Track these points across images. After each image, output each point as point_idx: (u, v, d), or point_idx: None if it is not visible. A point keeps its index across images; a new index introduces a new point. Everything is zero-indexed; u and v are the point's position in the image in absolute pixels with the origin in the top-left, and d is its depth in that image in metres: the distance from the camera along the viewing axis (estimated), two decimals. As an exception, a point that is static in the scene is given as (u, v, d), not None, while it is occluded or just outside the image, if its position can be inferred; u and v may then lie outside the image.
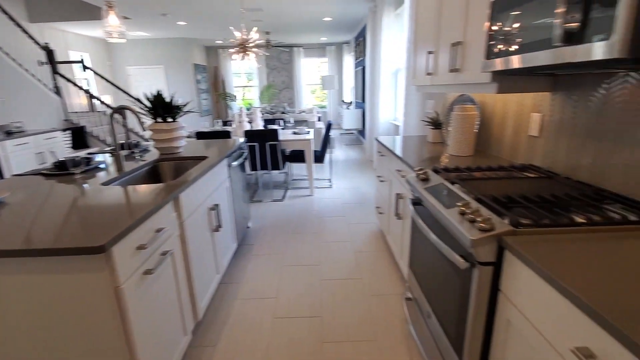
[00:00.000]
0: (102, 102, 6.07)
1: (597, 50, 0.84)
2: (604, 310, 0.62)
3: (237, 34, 4.27)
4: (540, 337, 0.81)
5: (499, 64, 1.27)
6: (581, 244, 0.87)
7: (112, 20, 3.61)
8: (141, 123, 1.84)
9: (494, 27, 1.29)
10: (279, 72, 9.67)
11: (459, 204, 1.12)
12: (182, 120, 7.80)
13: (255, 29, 4.65)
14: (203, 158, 2.21)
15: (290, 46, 9.41)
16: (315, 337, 1.74)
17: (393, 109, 4.93)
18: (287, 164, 4.52)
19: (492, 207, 1.08)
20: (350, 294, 2.08)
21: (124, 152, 2.34)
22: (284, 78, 9.72)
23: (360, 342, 1.70)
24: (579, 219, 0.97)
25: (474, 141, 2.02)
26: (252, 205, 3.75)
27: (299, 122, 6.49)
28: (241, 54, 4.23)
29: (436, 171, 1.57)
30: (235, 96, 9.26)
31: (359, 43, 7.11)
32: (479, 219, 0.99)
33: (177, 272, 1.50)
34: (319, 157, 4.12)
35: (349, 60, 9.07)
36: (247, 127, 4.13)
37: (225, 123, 5.31)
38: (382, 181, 2.67)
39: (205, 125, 8.58)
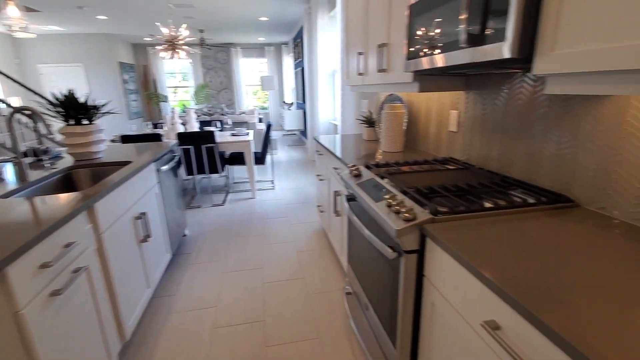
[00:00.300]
0: (9, 105, 5.28)
1: (495, 51, 0.94)
2: (506, 286, 0.69)
3: (165, 31, 4.01)
4: (457, 315, 0.87)
5: (417, 64, 1.36)
6: (489, 227, 0.96)
7: (12, 12, 3.17)
8: (47, 126, 1.63)
9: (412, 30, 1.37)
10: (216, 72, 9.31)
11: (386, 196, 1.16)
12: (103, 122, 7.12)
13: (184, 25, 4.40)
14: (126, 163, 2.03)
15: (228, 45, 9.13)
16: (258, 342, 1.69)
17: (332, 109, 5.03)
18: (227, 167, 4.36)
19: (415, 198, 1.14)
20: (293, 295, 2.07)
21: (27, 160, 2.05)
22: (222, 78, 9.39)
23: (303, 341, 1.70)
24: (488, 204, 1.07)
25: (403, 138, 2.13)
26: (189, 211, 3.55)
27: (238, 124, 6.31)
28: (170, 52, 3.98)
29: (368, 167, 1.62)
30: (166, 97, 8.70)
31: (297, 44, 7.15)
32: (403, 210, 1.04)
33: (95, 290, 1.35)
34: (260, 159, 4.04)
35: (288, 61, 9.07)
36: (181, 129, 3.90)
37: (156, 126, 4.96)
38: (321, 180, 2.70)
39: (133, 128, 7.94)
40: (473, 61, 1.02)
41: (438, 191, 1.19)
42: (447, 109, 1.84)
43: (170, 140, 3.14)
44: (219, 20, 6.25)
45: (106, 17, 5.70)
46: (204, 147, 3.53)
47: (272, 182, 4.53)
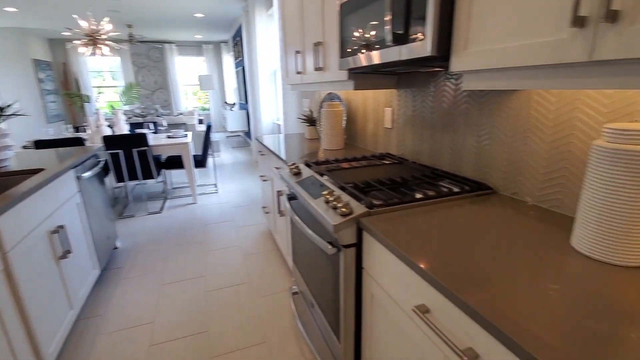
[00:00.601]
0: None
1: (417, 49, 0.98)
2: (433, 271, 0.72)
3: (83, 24, 3.62)
4: (393, 302, 0.90)
5: (350, 62, 1.38)
6: (420, 217, 1.00)
7: None
8: None
9: (344, 28, 1.39)
10: (149, 70, 8.68)
11: (324, 193, 1.17)
12: (13, 126, 6.25)
13: (106, 19, 4.02)
14: (38, 171, 1.79)
15: (161, 42, 8.56)
16: (202, 354, 1.60)
17: (275, 108, 4.98)
18: (164, 171, 4.09)
19: (352, 193, 1.17)
20: (238, 300, 1.99)
21: None
22: (157, 77, 8.78)
23: (250, 347, 1.64)
24: (419, 195, 1.12)
25: (343, 135, 2.17)
26: (121, 222, 3.25)
27: (176, 126, 5.96)
28: (90, 47, 3.61)
29: (308, 165, 1.62)
30: (88, 97, 7.90)
31: (237, 43, 6.95)
32: (339, 205, 1.05)
33: (2, 317, 1.16)
34: (201, 162, 3.85)
35: (228, 60, 8.79)
36: (108, 132, 3.56)
37: (78, 129, 4.47)
38: (265, 180, 2.65)
39: (50, 133, 7.09)
40: (399, 59, 1.07)
41: (374, 185, 1.22)
42: (382, 107, 1.91)
43: (94, 144, 2.84)
44: (149, 16, 5.83)
45: (16, 9, 4.99)
46: (135, 151, 3.26)
47: (216, 185, 4.35)
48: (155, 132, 4.60)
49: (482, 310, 0.58)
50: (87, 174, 2.11)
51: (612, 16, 0.57)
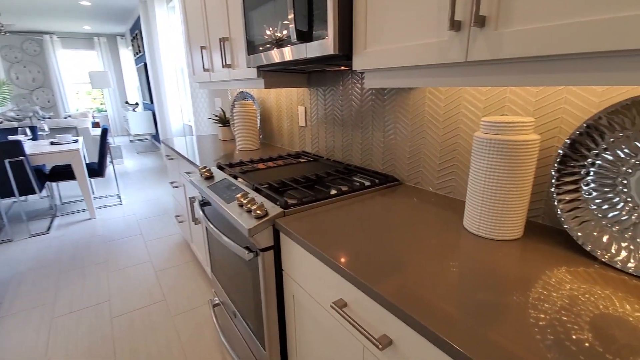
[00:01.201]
0: None
1: (320, 47, 0.99)
2: (347, 265, 0.73)
3: None
4: (313, 301, 0.90)
5: (257, 59, 1.34)
6: (335, 212, 1.02)
7: None
8: None
9: (249, 24, 1.34)
10: (25, 66, 7.29)
11: (237, 196, 1.11)
12: None
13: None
14: None
15: (39, 33, 7.25)
16: (108, 392, 1.40)
17: (185, 109, 4.63)
18: (49, 184, 3.47)
19: (267, 194, 1.13)
20: (152, 323, 1.79)
21: None
22: (35, 74, 7.42)
23: (168, 372, 1.49)
24: (333, 191, 1.14)
25: (258, 135, 2.12)
26: (-7, 249, 2.66)
27: (65, 130, 5.11)
28: None
29: (220, 167, 1.53)
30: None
31: (136, 36, 6.27)
32: (254, 207, 1.01)
33: None
34: (97, 171, 3.37)
35: (127, 55, 7.89)
36: (-35, 141, 2.86)
37: None
38: (176, 187, 2.44)
39: None
40: (305, 57, 1.07)
41: (289, 184, 1.21)
42: (295, 105, 1.91)
43: (-58, 156, 2.26)
44: (21, 2, 4.87)
45: None
46: (7, 162, 2.69)
47: (119, 196, 3.86)
48: (33, 139, 3.88)
49: (389, 295, 0.61)
50: None
51: (481, 21, 0.64)
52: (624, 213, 0.69)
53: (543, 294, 0.61)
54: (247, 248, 1.05)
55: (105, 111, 8.42)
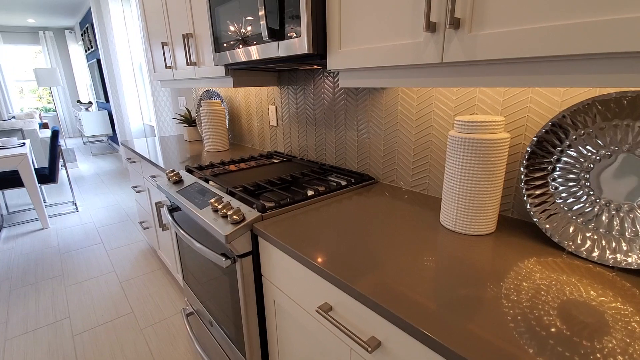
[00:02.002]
0: None
1: (294, 46, 0.97)
2: (329, 267, 0.72)
3: None
4: (296, 306, 0.88)
5: (226, 57, 1.29)
6: (313, 214, 1.01)
7: None
8: None
9: (216, 20, 1.29)
10: (-46, 61, 6.55)
11: (211, 201, 1.06)
12: None
13: None
14: None
15: (-30, 25, 6.54)
16: (73, 416, 1.29)
17: (145, 108, 4.39)
18: (-7, 193, 3.15)
19: (243, 198, 1.10)
20: (119, 338, 1.69)
21: None
22: (-32, 71, 6.69)
23: (140, 388, 1.41)
24: (310, 192, 1.13)
25: (227, 135, 2.05)
26: None
27: (9, 132, 4.67)
28: None
29: (189, 171, 1.46)
30: None
31: (87, 30, 5.84)
32: (230, 212, 0.97)
33: None
34: (48, 176, 3.11)
35: (77, 50, 7.33)
36: None
37: None
38: (139, 191, 2.30)
39: None
40: (277, 56, 1.04)
41: (264, 186, 1.18)
42: (265, 104, 1.87)
43: None
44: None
45: None
46: (-61, 170, 2.40)
47: (74, 203, 3.59)
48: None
49: (375, 297, 0.61)
50: None
51: (456, 23, 0.66)
52: (587, 205, 0.73)
53: (519, 285, 0.63)
54: (223, 255, 1.01)
55: (54, 111, 7.79)
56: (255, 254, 1.00)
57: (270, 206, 1.01)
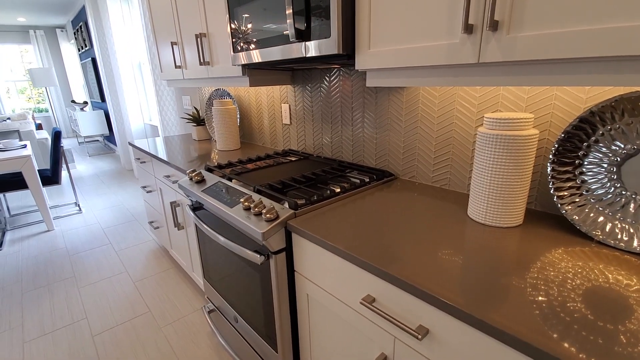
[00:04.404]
0: None
1: (323, 46, 0.99)
2: (373, 260, 0.75)
3: None
4: (334, 299, 0.91)
5: (245, 57, 1.30)
6: (342, 210, 1.04)
7: None
8: None
9: (235, 20, 1.30)
10: (-57, 62, 6.40)
11: (241, 200, 1.08)
12: None
13: None
14: None
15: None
16: (102, 414, 1.31)
17: (146, 107, 4.36)
18: (-5, 195, 3.12)
19: (272, 195, 1.12)
20: (139, 337, 1.70)
21: None
22: (-43, 72, 6.55)
23: (166, 385, 1.43)
24: (337, 189, 1.16)
25: (238, 134, 2.06)
26: None
27: (7, 134, 4.60)
28: None
29: (210, 170, 1.48)
30: None
31: (80, 29, 5.75)
32: (264, 210, 0.99)
33: None
34: (51, 178, 3.09)
35: (69, 49, 7.21)
36: None
37: None
38: (149, 192, 2.31)
39: None
40: (304, 56, 1.06)
41: (290, 184, 1.20)
42: (277, 103, 1.88)
43: None
44: None
45: None
46: (-57, 173, 2.37)
47: (77, 204, 3.57)
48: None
49: (421, 285, 0.64)
50: None
51: (494, 25, 0.69)
52: (614, 197, 0.78)
53: (558, 272, 0.67)
54: (256, 251, 1.03)
55: (47, 111, 7.68)
56: (288, 250, 1.03)
57: (302, 203, 1.04)
